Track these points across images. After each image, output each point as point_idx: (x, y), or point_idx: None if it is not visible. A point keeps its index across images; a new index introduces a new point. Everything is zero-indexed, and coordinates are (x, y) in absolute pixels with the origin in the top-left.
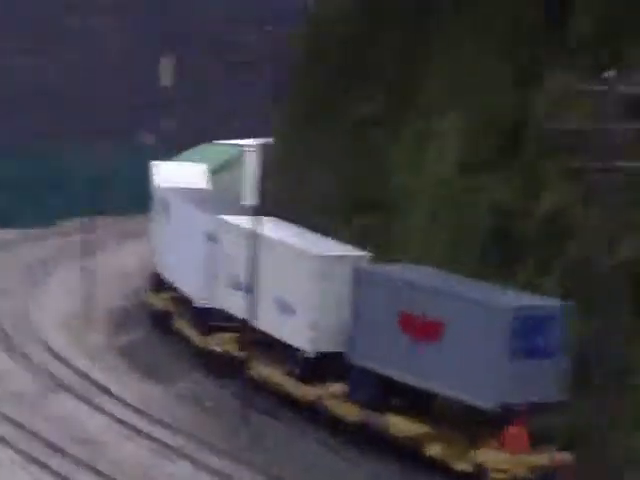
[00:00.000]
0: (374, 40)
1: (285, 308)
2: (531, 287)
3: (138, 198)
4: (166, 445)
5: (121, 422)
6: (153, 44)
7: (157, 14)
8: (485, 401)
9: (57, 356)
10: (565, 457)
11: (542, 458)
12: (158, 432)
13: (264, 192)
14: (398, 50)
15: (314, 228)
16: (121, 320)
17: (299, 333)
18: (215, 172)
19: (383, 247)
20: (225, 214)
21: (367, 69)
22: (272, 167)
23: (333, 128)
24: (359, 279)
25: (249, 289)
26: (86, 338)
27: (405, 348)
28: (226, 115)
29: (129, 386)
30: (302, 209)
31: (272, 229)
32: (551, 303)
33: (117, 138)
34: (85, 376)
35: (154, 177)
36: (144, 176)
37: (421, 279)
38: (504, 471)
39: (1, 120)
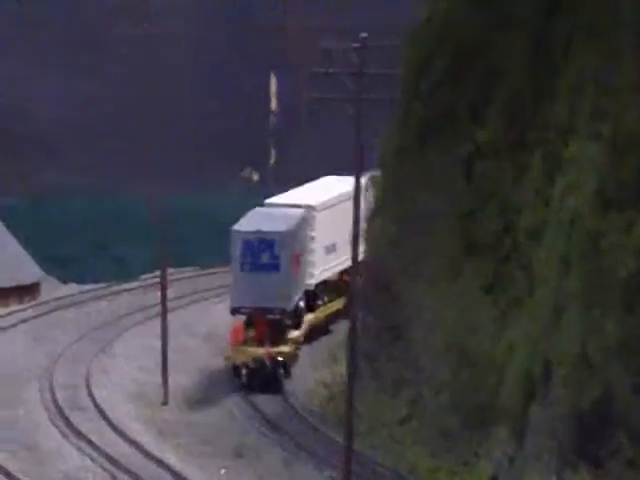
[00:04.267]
0: (490, 55)
1: None
2: None
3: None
4: None
5: None
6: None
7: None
8: (230, 305)
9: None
10: (275, 350)
11: (258, 350)
12: None
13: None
14: (519, 64)
15: (421, 275)
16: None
17: None
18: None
19: (503, 298)
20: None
21: (482, 90)
22: (378, 203)
23: (445, 159)
24: None
25: None
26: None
27: None
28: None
29: None
30: (410, 253)
31: None
32: (276, 229)
33: (213, 177)
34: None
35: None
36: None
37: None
38: (227, 358)
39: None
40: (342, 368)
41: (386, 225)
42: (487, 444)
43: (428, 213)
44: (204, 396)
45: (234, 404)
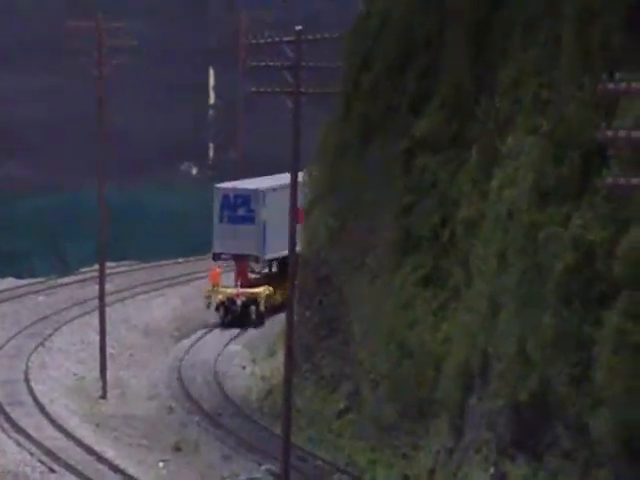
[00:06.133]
0: (430, 49)
1: None
2: (621, 335)
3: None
4: None
5: None
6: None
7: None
8: (212, 252)
9: None
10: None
11: (231, 290)
12: None
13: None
14: (459, 58)
15: (361, 269)
16: None
17: None
18: None
19: (441, 292)
20: None
21: (423, 84)
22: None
23: (386, 153)
24: None
25: None
26: None
27: None
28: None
29: None
30: (350, 247)
31: None
32: (252, 187)
33: (152, 170)
34: None
35: None
36: (185, 213)
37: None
38: (208, 297)
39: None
40: (280, 362)
41: (325, 218)
42: (426, 437)
43: (368, 207)
44: (143, 390)
45: (173, 398)
